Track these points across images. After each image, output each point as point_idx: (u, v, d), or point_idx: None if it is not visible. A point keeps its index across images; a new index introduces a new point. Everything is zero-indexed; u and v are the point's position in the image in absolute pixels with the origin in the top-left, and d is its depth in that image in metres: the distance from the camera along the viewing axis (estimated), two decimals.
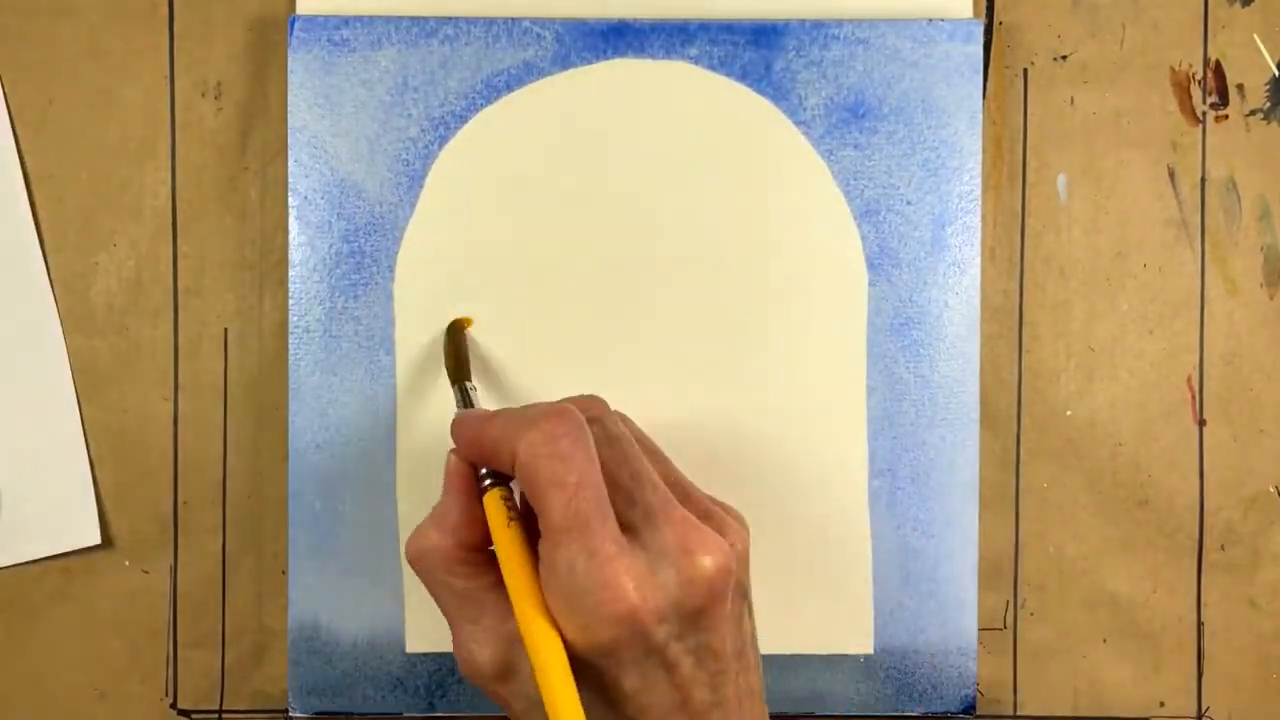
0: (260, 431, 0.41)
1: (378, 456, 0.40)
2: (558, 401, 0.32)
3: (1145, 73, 0.42)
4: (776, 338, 0.40)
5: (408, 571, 0.40)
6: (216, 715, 0.42)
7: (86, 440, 0.41)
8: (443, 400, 0.40)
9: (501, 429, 0.31)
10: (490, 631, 0.31)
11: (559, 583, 0.29)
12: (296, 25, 0.40)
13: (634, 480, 0.31)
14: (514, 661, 0.30)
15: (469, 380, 0.37)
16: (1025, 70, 0.42)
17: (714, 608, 0.30)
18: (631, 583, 0.29)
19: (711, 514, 0.32)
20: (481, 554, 0.32)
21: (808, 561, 0.41)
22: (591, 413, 0.32)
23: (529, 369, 0.40)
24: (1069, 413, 0.42)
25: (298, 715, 0.40)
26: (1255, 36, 0.42)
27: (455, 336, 0.39)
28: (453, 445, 0.33)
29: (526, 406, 0.32)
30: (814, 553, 0.40)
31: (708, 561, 0.30)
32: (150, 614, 0.42)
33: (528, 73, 0.40)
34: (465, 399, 0.36)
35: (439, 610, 0.32)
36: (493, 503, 0.31)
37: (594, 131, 0.40)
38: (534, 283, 0.40)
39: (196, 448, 0.41)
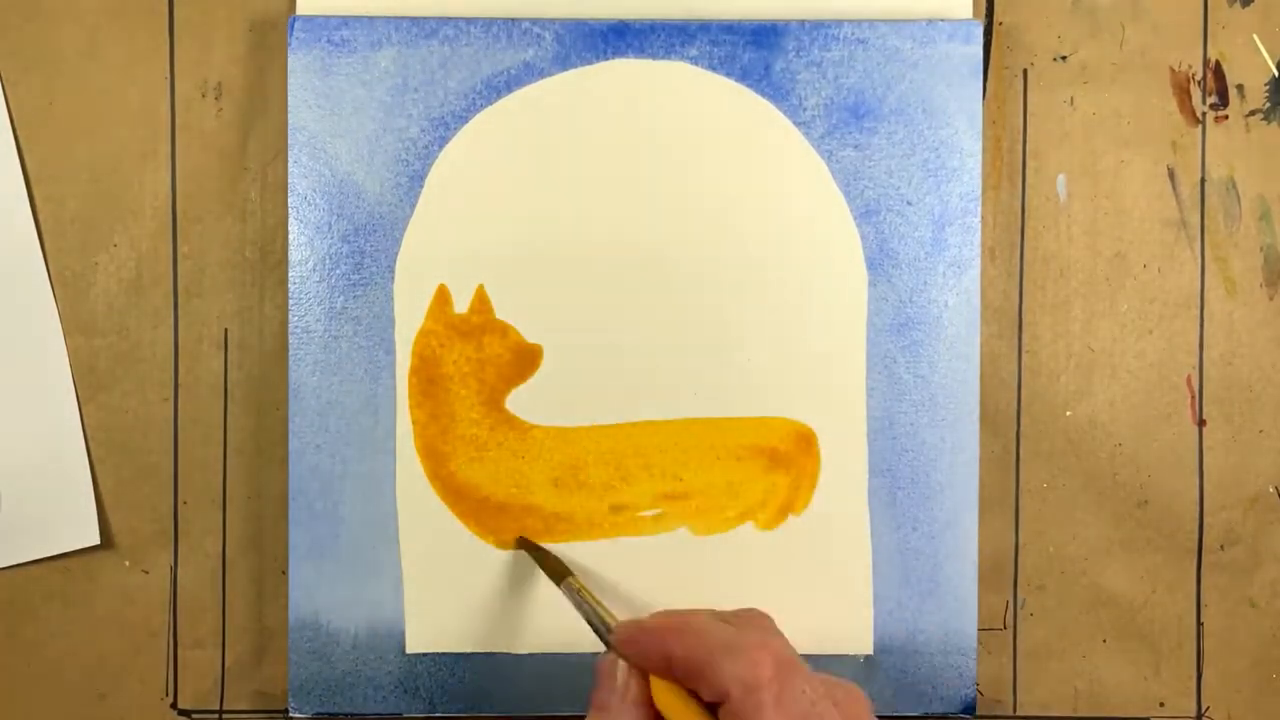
0: (260, 431, 0.41)
1: (378, 456, 0.40)
2: (757, 627, 0.33)
3: (1145, 73, 0.42)
4: (776, 338, 0.40)
5: (408, 572, 0.40)
6: (216, 715, 0.42)
7: (86, 440, 0.41)
8: (444, 400, 0.40)
9: (708, 659, 0.31)
10: None
11: None
12: (296, 25, 0.40)
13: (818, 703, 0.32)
14: None
15: (570, 575, 0.38)
16: (1025, 70, 0.42)
17: None
18: None
19: None
20: None
21: (808, 561, 0.41)
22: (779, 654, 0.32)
23: None
24: (1069, 413, 0.42)
25: (297, 715, 0.40)
26: (1255, 37, 0.42)
27: (530, 548, 0.40)
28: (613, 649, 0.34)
29: (719, 626, 0.32)
30: (814, 553, 0.40)
31: None
32: (150, 614, 0.42)
33: (528, 73, 0.40)
34: (576, 597, 0.37)
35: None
36: (675, 698, 0.32)
37: (594, 131, 0.40)
38: (534, 283, 0.40)
39: (196, 448, 0.41)
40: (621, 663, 0.33)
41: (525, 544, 0.40)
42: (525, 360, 0.40)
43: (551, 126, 0.40)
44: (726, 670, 0.31)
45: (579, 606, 0.37)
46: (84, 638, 0.41)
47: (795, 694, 0.31)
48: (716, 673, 0.31)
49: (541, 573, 0.40)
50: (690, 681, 0.32)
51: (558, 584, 0.38)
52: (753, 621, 0.34)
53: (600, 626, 0.35)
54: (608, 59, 0.40)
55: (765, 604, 0.40)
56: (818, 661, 0.40)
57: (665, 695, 0.32)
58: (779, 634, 0.34)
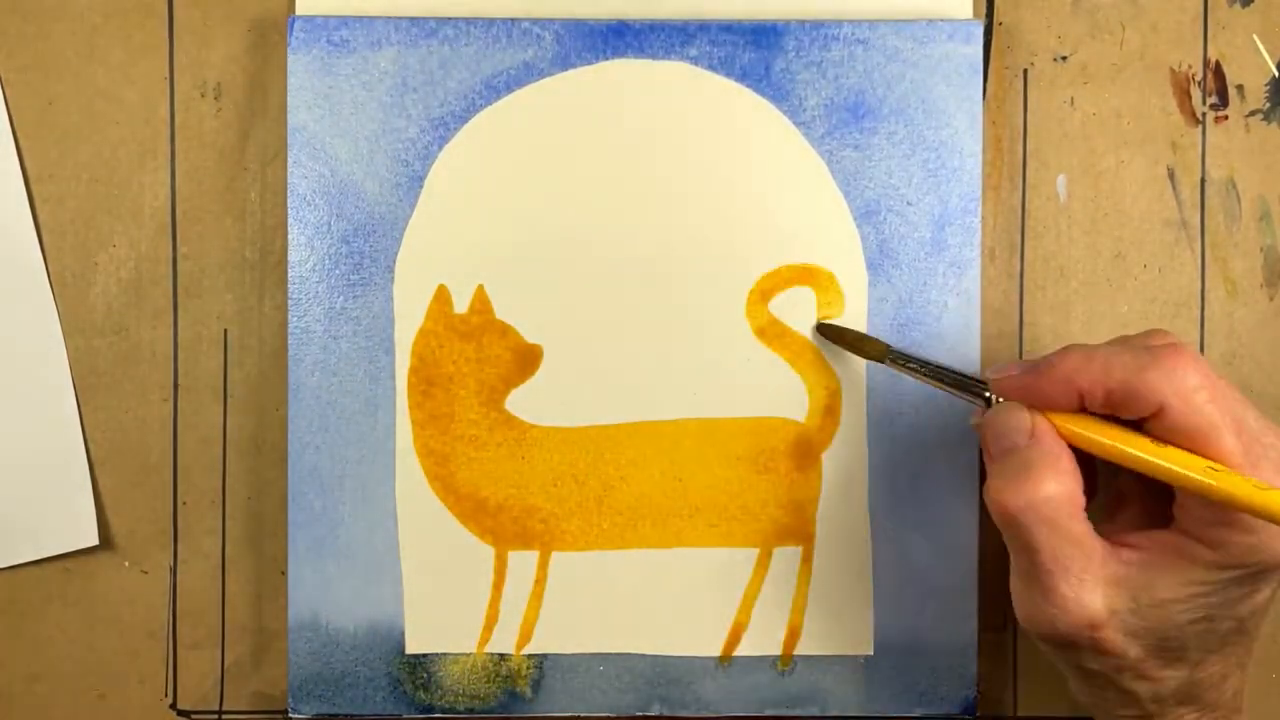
0: (260, 432, 0.41)
1: (377, 457, 0.40)
2: (1158, 338, 0.34)
3: (1145, 73, 0.42)
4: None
5: (408, 572, 0.40)
6: (216, 716, 0.42)
7: (86, 441, 0.41)
8: (444, 400, 0.40)
9: (1126, 375, 0.32)
10: (1101, 577, 0.32)
11: None
12: (296, 26, 0.40)
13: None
14: (1120, 602, 0.32)
15: (889, 346, 0.38)
16: (1025, 71, 0.42)
17: None
18: None
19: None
20: (1081, 499, 0.33)
21: (808, 562, 0.41)
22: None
23: None
24: None
25: (297, 716, 0.40)
26: (1255, 37, 0.42)
27: (833, 334, 0.40)
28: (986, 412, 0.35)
29: (1117, 348, 0.33)
30: (814, 553, 0.40)
31: None
32: (150, 615, 0.42)
33: (528, 73, 0.40)
34: (902, 361, 0.38)
35: (1024, 570, 0.34)
36: (1085, 426, 0.33)
37: (594, 131, 0.40)
38: (534, 283, 0.40)
39: (196, 448, 0.41)
40: (1023, 409, 0.34)
41: (826, 330, 0.40)
42: (525, 360, 0.40)
43: (551, 126, 0.40)
44: (1154, 384, 0.31)
45: (923, 371, 0.37)
46: (83, 638, 0.41)
47: (1226, 389, 0.32)
48: (1144, 390, 0.31)
49: (535, 573, 0.40)
50: (1109, 407, 0.32)
51: (882, 361, 0.38)
52: (1151, 336, 0.34)
53: (966, 382, 0.36)
54: (608, 59, 0.40)
55: (766, 605, 0.40)
56: (818, 662, 0.41)
57: (1073, 426, 0.33)
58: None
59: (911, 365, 0.37)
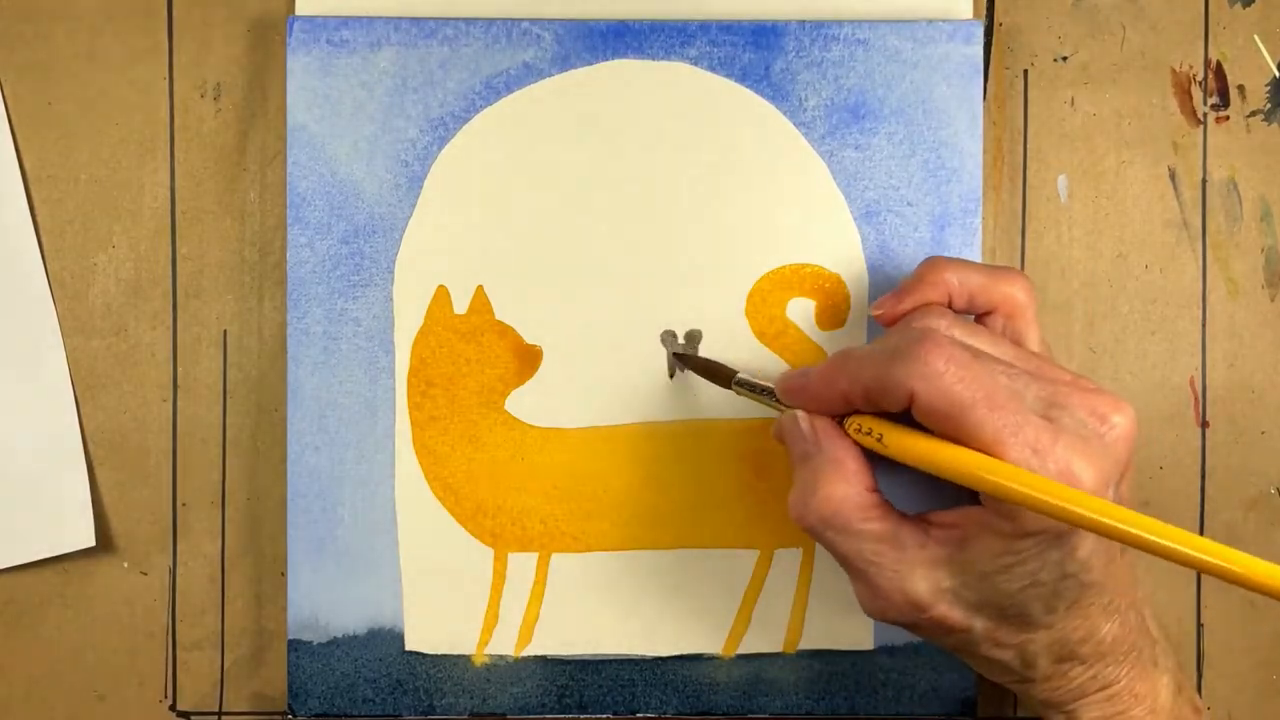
0: (259, 433, 0.41)
1: (377, 458, 0.40)
2: (915, 328, 0.33)
3: (1146, 74, 0.42)
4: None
5: (407, 572, 0.40)
6: (216, 717, 0.42)
7: (85, 441, 0.41)
8: (444, 401, 0.40)
9: (877, 371, 0.32)
10: (917, 562, 0.33)
11: None
12: (295, 26, 0.40)
13: (1015, 377, 0.32)
14: (945, 580, 0.33)
15: (738, 374, 0.38)
16: (1025, 71, 0.42)
17: (1129, 462, 0.32)
18: (1084, 466, 0.30)
19: (1087, 381, 0.33)
20: (878, 494, 0.34)
21: (809, 561, 0.40)
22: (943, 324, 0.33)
23: None
24: None
25: (297, 717, 0.40)
26: (1256, 37, 0.42)
27: (685, 358, 0.40)
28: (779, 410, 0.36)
29: (877, 345, 0.33)
30: (815, 554, 0.40)
31: (1121, 420, 0.32)
32: (149, 616, 0.42)
33: (528, 73, 0.40)
34: (753, 386, 0.37)
35: (845, 570, 0.34)
36: (874, 423, 0.33)
37: (594, 132, 0.40)
38: (534, 284, 0.40)
39: (196, 449, 0.41)
40: (801, 414, 0.35)
41: (684, 359, 0.40)
42: (525, 361, 0.40)
43: (551, 127, 0.40)
44: (900, 376, 0.31)
45: (752, 392, 0.37)
46: (83, 639, 0.41)
47: (979, 369, 0.31)
48: (893, 383, 0.31)
49: (535, 575, 0.40)
50: (872, 404, 0.33)
51: (729, 387, 0.38)
52: (913, 321, 0.34)
53: (769, 395, 0.36)
54: (608, 59, 0.40)
55: (766, 607, 0.40)
56: (816, 660, 0.40)
57: (855, 425, 0.33)
58: (949, 326, 0.33)
59: (748, 388, 0.37)
